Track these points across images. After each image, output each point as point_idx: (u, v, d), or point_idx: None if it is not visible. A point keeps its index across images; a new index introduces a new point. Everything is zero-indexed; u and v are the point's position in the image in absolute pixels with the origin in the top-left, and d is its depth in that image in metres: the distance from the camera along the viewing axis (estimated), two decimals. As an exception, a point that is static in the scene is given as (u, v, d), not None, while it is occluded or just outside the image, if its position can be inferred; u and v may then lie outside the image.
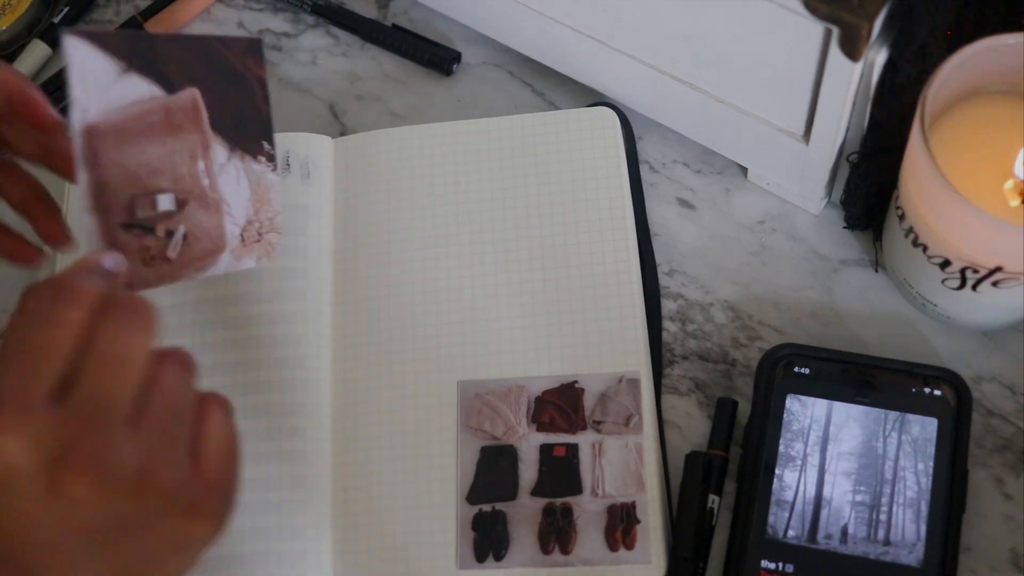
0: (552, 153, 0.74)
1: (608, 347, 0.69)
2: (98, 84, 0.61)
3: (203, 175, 0.61)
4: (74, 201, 0.74)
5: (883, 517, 0.63)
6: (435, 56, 0.80)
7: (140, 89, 0.61)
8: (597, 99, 0.77)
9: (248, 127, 0.62)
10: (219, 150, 0.61)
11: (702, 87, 0.70)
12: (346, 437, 0.68)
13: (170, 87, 0.61)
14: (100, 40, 0.60)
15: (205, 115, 0.61)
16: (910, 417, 0.65)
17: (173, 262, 0.61)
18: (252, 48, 0.63)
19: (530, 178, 0.74)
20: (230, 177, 0.62)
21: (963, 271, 0.63)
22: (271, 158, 0.63)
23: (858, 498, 0.63)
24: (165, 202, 0.61)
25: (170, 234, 0.61)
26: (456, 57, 0.80)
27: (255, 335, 0.71)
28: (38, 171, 0.64)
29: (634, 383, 0.68)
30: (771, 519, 0.63)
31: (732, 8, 0.63)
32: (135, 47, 0.61)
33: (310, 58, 0.82)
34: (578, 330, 0.70)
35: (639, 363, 0.68)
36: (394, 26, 0.81)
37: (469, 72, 0.80)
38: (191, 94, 0.61)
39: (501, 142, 0.75)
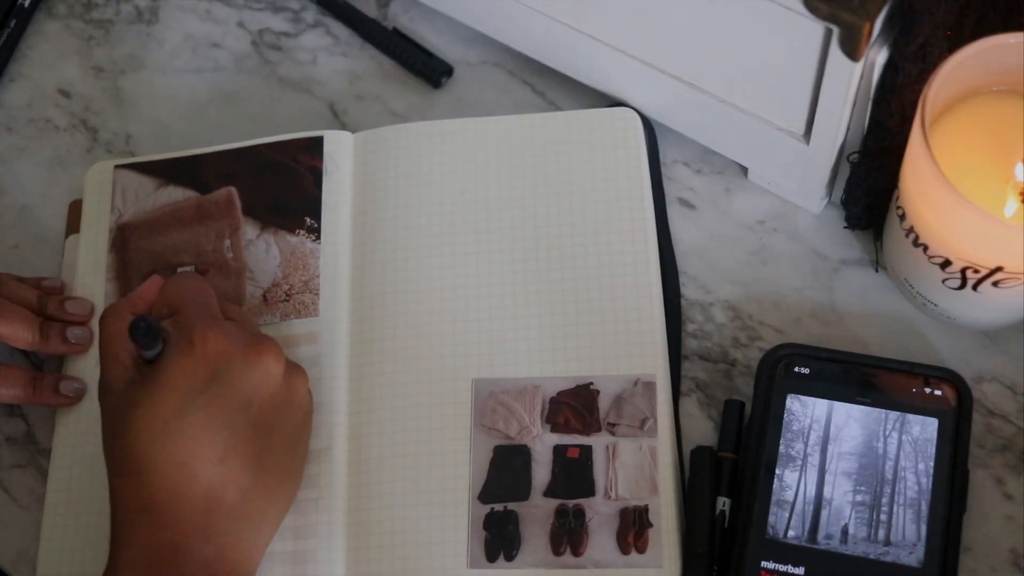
0: (573, 152, 0.73)
1: (625, 349, 0.68)
2: (136, 197, 0.75)
3: (228, 250, 0.72)
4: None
5: (883, 517, 0.63)
6: (426, 67, 0.79)
7: (175, 195, 0.74)
8: (596, 99, 0.77)
9: (290, 208, 0.73)
10: (249, 229, 0.73)
11: (702, 87, 0.70)
12: (360, 433, 0.68)
13: (206, 189, 0.74)
14: (145, 168, 0.75)
15: (238, 204, 0.73)
16: (910, 417, 0.64)
17: None
18: (309, 145, 0.74)
19: (550, 177, 0.73)
20: (258, 248, 0.72)
21: (963, 271, 0.63)
22: (312, 230, 0.72)
23: (858, 498, 0.63)
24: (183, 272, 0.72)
25: None
26: (448, 71, 0.79)
27: None
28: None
29: (650, 386, 0.67)
30: (771, 519, 0.63)
31: (732, 8, 0.63)
32: (176, 167, 0.75)
33: (310, 58, 0.82)
34: (595, 331, 0.69)
35: (656, 366, 0.68)
36: (395, 30, 0.81)
37: (469, 72, 0.80)
38: (227, 191, 0.74)
39: (521, 140, 0.74)
